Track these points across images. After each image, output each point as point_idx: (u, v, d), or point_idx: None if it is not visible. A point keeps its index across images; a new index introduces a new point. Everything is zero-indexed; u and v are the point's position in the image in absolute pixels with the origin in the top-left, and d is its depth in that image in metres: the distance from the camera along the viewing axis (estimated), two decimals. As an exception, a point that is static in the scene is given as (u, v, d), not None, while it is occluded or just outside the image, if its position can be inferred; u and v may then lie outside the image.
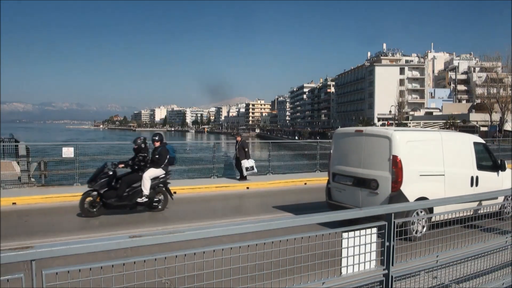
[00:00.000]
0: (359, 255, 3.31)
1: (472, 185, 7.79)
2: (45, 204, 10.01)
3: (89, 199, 8.82)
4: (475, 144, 8.22)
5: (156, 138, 9.65)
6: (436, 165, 7.40)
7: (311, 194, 12.67)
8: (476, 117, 58.90)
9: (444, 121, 59.77)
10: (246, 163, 13.26)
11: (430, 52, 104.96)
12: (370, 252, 3.37)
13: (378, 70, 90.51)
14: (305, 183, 14.19)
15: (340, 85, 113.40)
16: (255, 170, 13.53)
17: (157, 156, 9.30)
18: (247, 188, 13.06)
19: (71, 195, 10.65)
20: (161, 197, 9.53)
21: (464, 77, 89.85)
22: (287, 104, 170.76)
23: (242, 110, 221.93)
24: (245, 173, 13.33)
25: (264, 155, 16.17)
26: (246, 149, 13.39)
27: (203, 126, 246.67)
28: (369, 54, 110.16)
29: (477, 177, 7.88)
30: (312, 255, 3.06)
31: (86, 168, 12.95)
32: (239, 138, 13.75)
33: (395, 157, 7.01)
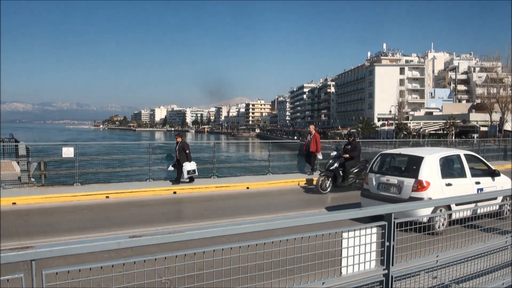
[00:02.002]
0: (359, 255, 3.31)
1: None
2: (45, 204, 10.01)
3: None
4: None
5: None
6: None
7: (311, 194, 12.67)
8: (476, 117, 58.95)
9: (444, 121, 59.80)
10: (188, 166, 12.49)
11: (430, 52, 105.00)
12: (370, 252, 3.37)
13: (378, 70, 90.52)
14: (306, 183, 14.18)
15: (340, 85, 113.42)
16: (197, 173, 12.81)
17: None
18: (247, 188, 13.07)
19: (71, 195, 10.67)
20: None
21: (464, 77, 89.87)
22: (287, 104, 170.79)
23: (242, 110, 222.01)
24: (185, 176, 12.51)
25: (264, 155, 16.14)
26: (187, 151, 12.58)
27: (203, 126, 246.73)
28: (369, 54, 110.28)
29: None
30: (312, 255, 3.06)
31: (86, 168, 12.95)
32: (179, 139, 12.83)
33: None
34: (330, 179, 12.08)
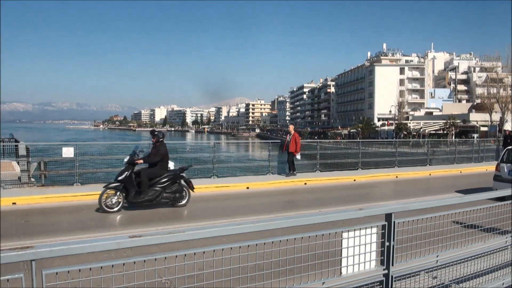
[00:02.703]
0: (359, 255, 3.31)
1: None
2: (45, 204, 10.01)
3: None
4: None
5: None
6: None
7: (311, 194, 12.68)
8: (476, 117, 58.98)
9: (444, 121, 59.80)
10: None
11: (430, 52, 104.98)
12: (370, 252, 3.37)
13: (378, 70, 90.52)
14: (305, 183, 14.19)
15: (340, 85, 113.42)
16: None
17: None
18: (247, 188, 13.07)
19: (71, 195, 10.66)
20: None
21: (464, 77, 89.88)
22: (287, 104, 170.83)
23: (242, 110, 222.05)
24: None
25: (264, 155, 16.15)
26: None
27: (203, 126, 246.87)
28: (369, 54, 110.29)
29: None
30: (312, 255, 3.06)
31: (86, 168, 12.95)
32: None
33: None
34: (118, 192, 9.18)
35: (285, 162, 15.28)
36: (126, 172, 9.22)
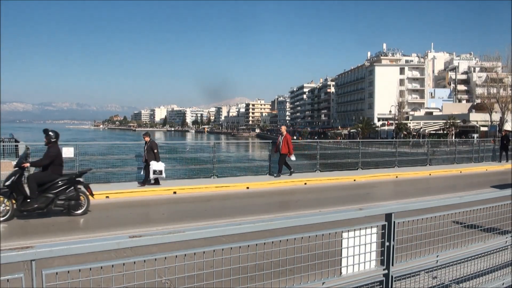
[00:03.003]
0: (359, 255, 3.31)
1: None
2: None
3: None
4: None
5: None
6: None
7: (311, 194, 12.68)
8: (476, 117, 58.96)
9: (444, 121, 59.79)
10: (155, 165, 11.93)
11: (430, 52, 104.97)
12: (370, 252, 3.37)
13: (378, 70, 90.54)
14: (305, 183, 14.20)
15: (340, 85, 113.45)
16: (164, 175, 12.09)
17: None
18: (247, 188, 13.07)
19: (71, 195, 10.64)
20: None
21: (464, 77, 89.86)
22: (287, 104, 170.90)
23: (242, 110, 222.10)
24: (151, 176, 12.04)
25: (264, 155, 16.15)
26: (156, 151, 12.14)
27: (203, 126, 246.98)
28: (369, 54, 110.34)
29: None
30: (312, 255, 3.06)
31: (86, 168, 12.93)
32: (147, 139, 12.40)
33: None
34: (6, 199, 8.21)
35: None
36: (13, 177, 8.18)
